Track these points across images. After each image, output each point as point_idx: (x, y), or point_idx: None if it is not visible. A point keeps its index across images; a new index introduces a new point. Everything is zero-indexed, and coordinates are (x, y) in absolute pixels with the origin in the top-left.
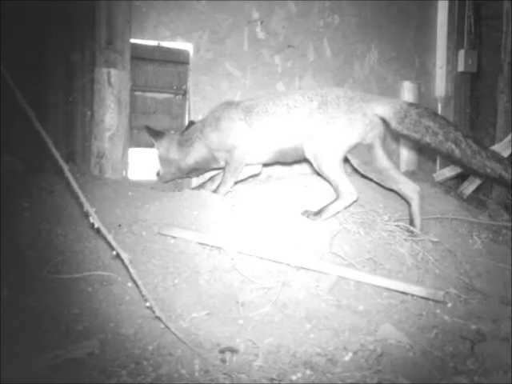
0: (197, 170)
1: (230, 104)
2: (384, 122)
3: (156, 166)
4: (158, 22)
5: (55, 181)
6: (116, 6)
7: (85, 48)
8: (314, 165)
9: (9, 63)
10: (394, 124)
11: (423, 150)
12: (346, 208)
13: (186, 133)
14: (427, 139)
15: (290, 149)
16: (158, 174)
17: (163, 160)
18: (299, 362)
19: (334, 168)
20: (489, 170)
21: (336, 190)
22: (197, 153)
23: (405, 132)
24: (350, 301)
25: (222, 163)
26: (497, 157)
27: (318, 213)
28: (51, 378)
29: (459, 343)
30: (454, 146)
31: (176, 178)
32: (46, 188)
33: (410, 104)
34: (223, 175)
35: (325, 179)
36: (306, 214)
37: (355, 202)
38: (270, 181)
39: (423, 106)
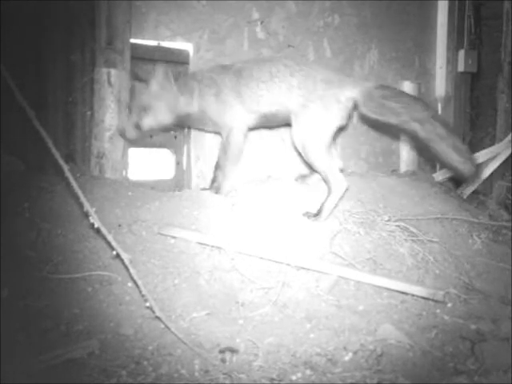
0: (183, 123)
1: (224, 68)
2: (354, 104)
3: (129, 115)
4: (158, 22)
5: (55, 181)
6: (116, 5)
7: (85, 48)
8: (303, 154)
9: (9, 63)
10: (362, 107)
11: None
12: (340, 198)
13: (184, 81)
14: (392, 120)
15: (272, 114)
16: (134, 125)
17: (155, 99)
18: (299, 362)
19: (321, 156)
20: (447, 159)
21: (326, 180)
22: (192, 108)
23: (372, 116)
24: (349, 301)
25: (211, 128)
26: (459, 148)
27: (318, 214)
28: (51, 378)
29: (459, 343)
30: (418, 127)
31: (158, 128)
32: (46, 188)
33: (377, 86)
34: (222, 166)
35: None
36: (307, 215)
37: (347, 189)
38: (269, 181)
39: (388, 86)
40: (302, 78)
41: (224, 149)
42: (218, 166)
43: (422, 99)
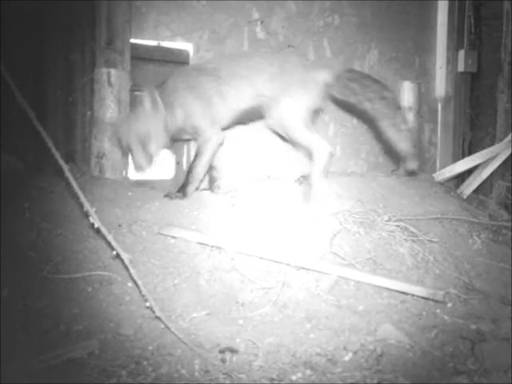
0: (175, 137)
1: (200, 71)
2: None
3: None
4: (158, 22)
5: (55, 181)
6: (116, 5)
7: (85, 48)
8: (281, 133)
9: (9, 63)
10: (331, 89)
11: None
12: (328, 163)
13: (166, 89)
14: (352, 100)
15: (252, 108)
16: (147, 158)
17: (151, 125)
18: (299, 362)
19: (304, 132)
20: (387, 136)
21: (309, 149)
22: (178, 120)
23: (338, 97)
24: (349, 301)
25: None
26: (400, 127)
27: (313, 189)
28: (51, 378)
29: (459, 343)
30: (369, 105)
31: (164, 148)
32: (46, 188)
33: (346, 70)
34: (193, 171)
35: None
36: (305, 197)
37: (332, 154)
38: (269, 181)
39: (357, 70)
40: (281, 64)
41: (201, 154)
42: (191, 169)
43: (383, 83)
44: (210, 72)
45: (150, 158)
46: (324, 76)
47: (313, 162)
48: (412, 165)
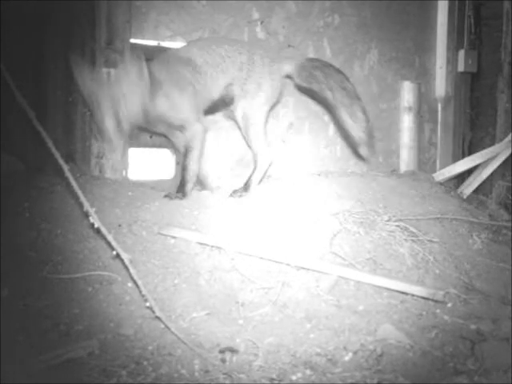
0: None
1: (180, 60)
2: (289, 79)
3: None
4: (158, 22)
5: (55, 181)
6: (116, 5)
7: (85, 48)
8: (242, 125)
9: (9, 63)
10: (295, 79)
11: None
12: (267, 170)
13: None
14: (315, 88)
15: (222, 98)
16: (118, 129)
17: (130, 92)
18: (299, 362)
19: (260, 131)
20: (344, 124)
21: (255, 152)
22: (162, 104)
23: (303, 85)
24: (349, 301)
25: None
26: (358, 116)
27: (246, 188)
28: (51, 378)
29: (459, 343)
30: (330, 94)
31: (137, 127)
32: (46, 188)
33: (308, 59)
34: (188, 168)
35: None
36: (235, 194)
37: (272, 163)
38: (269, 181)
39: (320, 59)
40: (249, 54)
41: (192, 149)
42: (185, 166)
43: (344, 73)
44: (187, 61)
45: (121, 132)
46: (288, 68)
47: (255, 167)
48: (365, 151)
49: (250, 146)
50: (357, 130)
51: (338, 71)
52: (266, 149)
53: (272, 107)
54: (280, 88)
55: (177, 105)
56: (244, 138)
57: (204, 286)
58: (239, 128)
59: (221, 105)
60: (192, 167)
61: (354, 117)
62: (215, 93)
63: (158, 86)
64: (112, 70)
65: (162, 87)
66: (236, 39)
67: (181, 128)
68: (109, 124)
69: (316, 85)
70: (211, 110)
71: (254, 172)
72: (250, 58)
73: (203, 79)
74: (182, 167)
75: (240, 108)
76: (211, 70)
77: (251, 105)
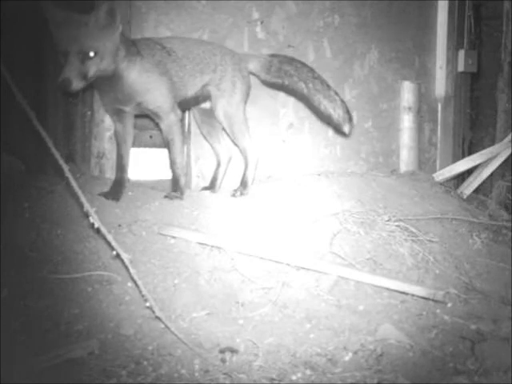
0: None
1: (163, 47)
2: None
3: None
4: (158, 22)
5: (55, 181)
6: (116, 6)
7: None
8: (226, 124)
9: (9, 63)
10: (262, 76)
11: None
12: (256, 168)
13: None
14: (286, 81)
15: (194, 97)
16: (80, 74)
17: (98, 40)
18: (299, 362)
19: (243, 127)
20: (323, 108)
21: (244, 150)
22: (131, 70)
23: (272, 80)
24: (349, 301)
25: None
26: (333, 97)
27: (243, 187)
28: (51, 378)
29: (459, 343)
30: (303, 85)
31: (102, 76)
32: (46, 188)
33: (272, 55)
34: (176, 162)
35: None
36: (236, 193)
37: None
38: (269, 181)
39: (282, 54)
40: (221, 54)
41: (173, 141)
42: (173, 161)
43: (308, 64)
44: (168, 50)
45: (83, 78)
46: (251, 66)
47: (246, 163)
48: (347, 128)
49: (236, 144)
50: (338, 110)
51: (304, 64)
52: (252, 143)
53: (245, 103)
54: (249, 84)
55: (153, 87)
56: (229, 135)
57: (204, 286)
58: (223, 128)
59: (191, 103)
60: (179, 160)
61: (332, 99)
62: (190, 90)
63: (139, 57)
64: None
65: (143, 62)
66: (208, 42)
67: (155, 116)
68: (71, 66)
69: (288, 78)
70: (181, 106)
71: (246, 168)
72: (223, 59)
73: (182, 72)
74: (170, 163)
75: (220, 107)
76: (191, 66)
77: (230, 103)
